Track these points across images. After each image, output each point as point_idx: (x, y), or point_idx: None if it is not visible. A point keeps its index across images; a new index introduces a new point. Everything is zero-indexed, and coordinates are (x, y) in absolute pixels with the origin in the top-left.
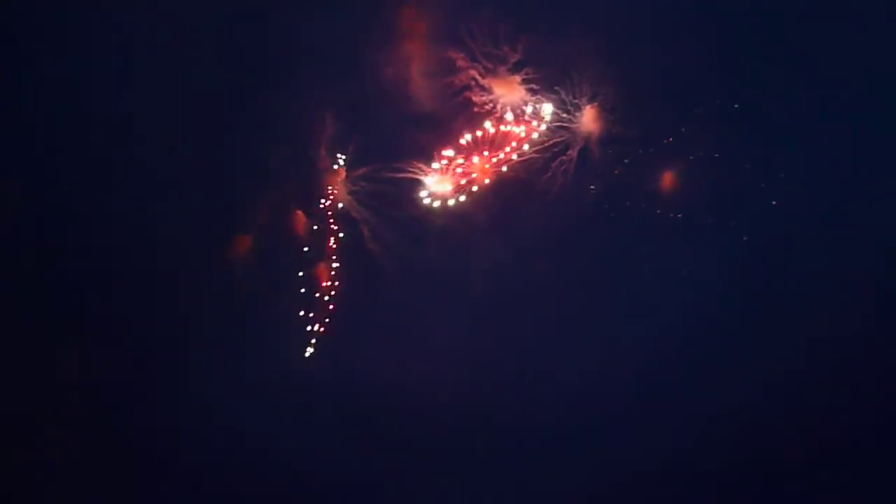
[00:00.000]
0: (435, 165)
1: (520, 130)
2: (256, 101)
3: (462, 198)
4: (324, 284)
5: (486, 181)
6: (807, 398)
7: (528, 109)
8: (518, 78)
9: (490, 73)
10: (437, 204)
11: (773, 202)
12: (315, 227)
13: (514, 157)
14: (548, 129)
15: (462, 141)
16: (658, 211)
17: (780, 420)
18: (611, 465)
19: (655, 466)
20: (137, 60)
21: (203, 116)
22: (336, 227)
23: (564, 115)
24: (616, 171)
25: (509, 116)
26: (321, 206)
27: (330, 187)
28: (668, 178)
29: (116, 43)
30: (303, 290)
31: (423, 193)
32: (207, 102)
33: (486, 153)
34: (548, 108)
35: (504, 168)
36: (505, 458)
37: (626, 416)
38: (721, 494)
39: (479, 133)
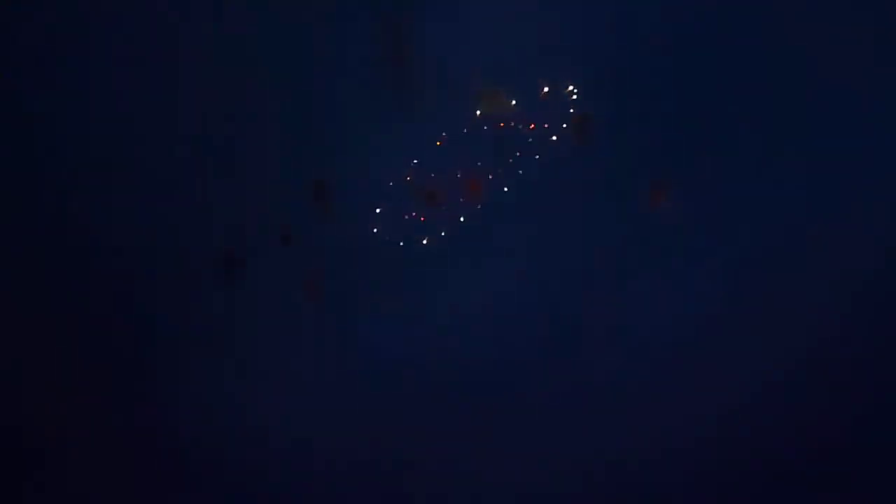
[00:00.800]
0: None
1: (527, 128)
2: (246, 109)
3: (443, 232)
4: (314, 290)
5: (478, 204)
6: (807, 398)
7: (545, 90)
8: (503, 91)
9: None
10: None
11: (773, 201)
12: (301, 235)
13: (519, 172)
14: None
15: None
16: (654, 213)
17: (781, 420)
18: (610, 465)
19: (654, 466)
20: (134, 65)
21: (196, 121)
22: (321, 236)
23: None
24: (609, 176)
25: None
26: (307, 213)
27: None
28: (665, 180)
29: (111, 46)
30: (292, 295)
31: (376, 229)
32: (201, 107)
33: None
34: (571, 89)
35: (502, 186)
36: (503, 459)
37: (626, 416)
38: (721, 494)
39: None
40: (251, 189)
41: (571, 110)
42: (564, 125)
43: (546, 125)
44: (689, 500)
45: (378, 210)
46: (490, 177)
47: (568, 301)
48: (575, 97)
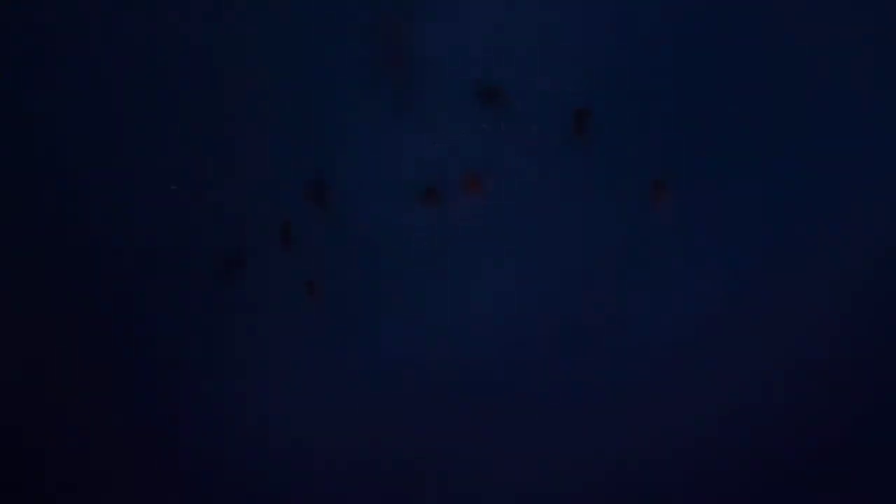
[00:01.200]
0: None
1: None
2: (246, 111)
3: (443, 232)
4: (314, 290)
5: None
6: (807, 398)
7: (545, 89)
8: (503, 89)
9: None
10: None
11: (774, 201)
12: (303, 235)
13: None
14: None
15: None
16: (655, 212)
17: (781, 420)
18: (611, 465)
19: (655, 466)
20: (133, 65)
21: (195, 120)
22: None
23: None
24: (610, 176)
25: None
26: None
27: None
28: (666, 179)
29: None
30: (294, 295)
31: (376, 229)
32: (200, 106)
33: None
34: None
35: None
36: (504, 459)
37: (627, 416)
38: (721, 494)
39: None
40: (251, 189)
41: (572, 109)
42: (564, 124)
43: (546, 124)
44: (690, 499)
45: (378, 209)
46: (490, 176)
47: (568, 300)
48: (575, 96)
